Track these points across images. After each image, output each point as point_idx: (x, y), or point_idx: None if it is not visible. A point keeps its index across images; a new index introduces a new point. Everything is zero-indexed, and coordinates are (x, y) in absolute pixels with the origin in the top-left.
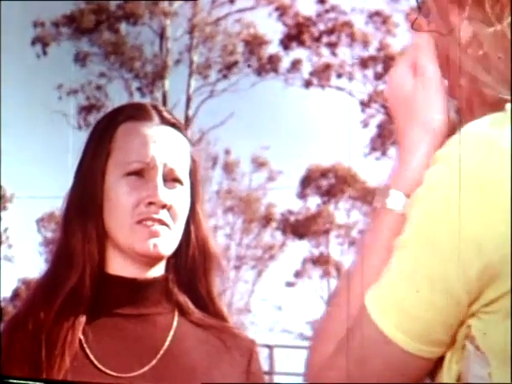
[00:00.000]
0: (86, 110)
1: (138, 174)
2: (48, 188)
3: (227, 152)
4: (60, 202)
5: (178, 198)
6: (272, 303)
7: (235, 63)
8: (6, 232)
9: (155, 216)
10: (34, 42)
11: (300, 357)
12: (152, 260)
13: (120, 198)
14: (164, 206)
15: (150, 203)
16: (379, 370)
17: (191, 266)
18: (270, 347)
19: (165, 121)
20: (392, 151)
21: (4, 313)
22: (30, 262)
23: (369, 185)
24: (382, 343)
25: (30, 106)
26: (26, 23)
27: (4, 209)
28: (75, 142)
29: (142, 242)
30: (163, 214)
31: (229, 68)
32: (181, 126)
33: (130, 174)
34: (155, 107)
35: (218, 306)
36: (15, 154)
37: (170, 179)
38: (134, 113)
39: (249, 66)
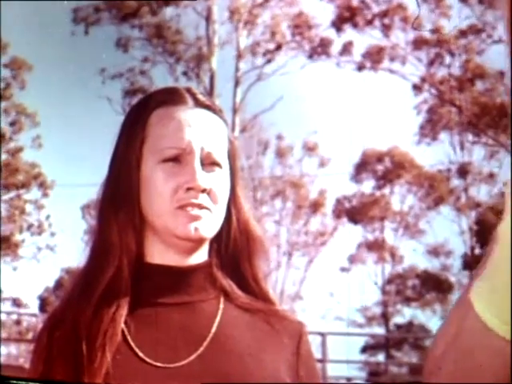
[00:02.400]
0: (130, 94)
1: (175, 159)
2: (91, 174)
3: (279, 137)
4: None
5: (218, 182)
6: (324, 290)
7: (280, 46)
8: (47, 219)
9: (195, 201)
10: (75, 25)
11: (353, 344)
12: (194, 244)
13: (158, 185)
14: (203, 191)
15: (189, 188)
16: (484, 361)
17: (234, 250)
18: (322, 335)
19: (199, 104)
20: (443, 136)
21: (47, 303)
22: (73, 250)
23: (425, 170)
24: (484, 334)
25: (72, 91)
26: (67, 9)
27: (45, 196)
28: (119, 126)
29: (183, 226)
30: (203, 199)
31: (278, 49)
32: (216, 109)
33: (166, 160)
34: (189, 90)
35: (264, 288)
36: (57, 139)
37: (208, 163)
38: (167, 97)
39: (297, 45)
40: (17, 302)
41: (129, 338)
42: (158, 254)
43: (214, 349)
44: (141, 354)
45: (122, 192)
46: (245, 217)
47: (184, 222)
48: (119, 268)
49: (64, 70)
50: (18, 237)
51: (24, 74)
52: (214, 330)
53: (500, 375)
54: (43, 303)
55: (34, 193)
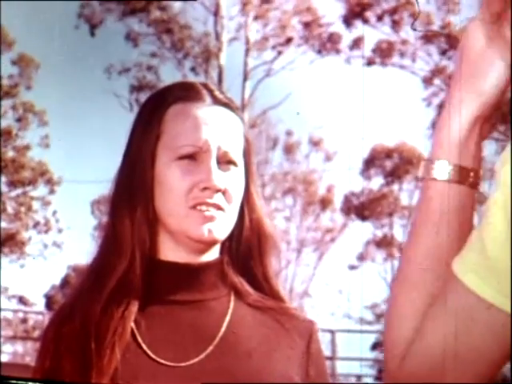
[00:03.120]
0: (137, 89)
1: (191, 157)
2: (98, 171)
3: (288, 133)
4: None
5: (233, 181)
6: (334, 287)
7: (289, 40)
8: (54, 215)
9: (210, 201)
10: (81, 21)
11: (362, 341)
12: (206, 245)
13: (172, 183)
14: (219, 191)
15: (205, 188)
16: (483, 337)
17: (246, 248)
18: (332, 332)
19: (217, 101)
20: None
21: (53, 301)
22: (81, 247)
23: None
24: (483, 310)
25: (78, 87)
26: (74, 4)
27: (52, 192)
28: (127, 122)
29: (197, 227)
30: (218, 198)
31: (287, 43)
32: (233, 106)
33: (181, 157)
34: (206, 86)
35: (275, 286)
36: (64, 135)
37: (224, 162)
38: (184, 93)
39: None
40: (23, 300)
41: (138, 336)
42: (171, 251)
43: (224, 348)
44: (150, 353)
45: (136, 188)
46: (258, 215)
47: (197, 222)
48: (131, 264)
49: (70, 65)
50: (24, 234)
51: (31, 71)
52: (223, 328)
53: (501, 352)
54: (50, 301)
55: (40, 190)
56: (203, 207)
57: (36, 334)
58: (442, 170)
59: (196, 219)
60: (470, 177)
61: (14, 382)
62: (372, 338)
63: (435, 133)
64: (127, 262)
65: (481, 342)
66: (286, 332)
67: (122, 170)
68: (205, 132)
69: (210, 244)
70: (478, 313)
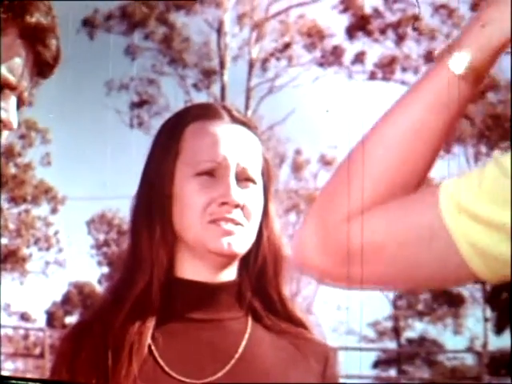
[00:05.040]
0: (138, 105)
1: (209, 173)
2: (98, 189)
3: (298, 152)
4: (111, 203)
5: (251, 198)
6: (336, 304)
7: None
8: (56, 235)
9: (228, 216)
10: (82, 34)
11: (365, 359)
12: (226, 259)
13: (191, 198)
14: (237, 206)
15: (223, 203)
16: (430, 265)
17: (261, 268)
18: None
19: (235, 119)
20: (456, 149)
21: (54, 317)
22: (81, 265)
23: (436, 182)
24: (450, 252)
25: (79, 103)
26: (76, 18)
27: (55, 211)
28: (127, 139)
29: (216, 240)
30: (236, 214)
31: (289, 61)
32: (251, 125)
33: (200, 173)
34: (224, 106)
35: (291, 308)
36: (65, 153)
37: (243, 178)
38: (203, 112)
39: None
40: (25, 317)
41: (155, 351)
42: (189, 269)
43: (241, 368)
44: (167, 368)
45: (155, 206)
46: (275, 236)
47: (216, 236)
48: (150, 281)
49: (71, 81)
50: (25, 251)
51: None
52: (241, 349)
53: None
54: (51, 318)
55: (43, 208)
56: (222, 222)
57: (37, 351)
58: (460, 62)
59: (215, 233)
60: (479, 81)
61: (14, 382)
62: (374, 356)
63: (470, 23)
64: (146, 279)
65: (424, 260)
66: (302, 356)
67: (141, 189)
68: (223, 148)
69: (229, 258)
70: (436, 241)
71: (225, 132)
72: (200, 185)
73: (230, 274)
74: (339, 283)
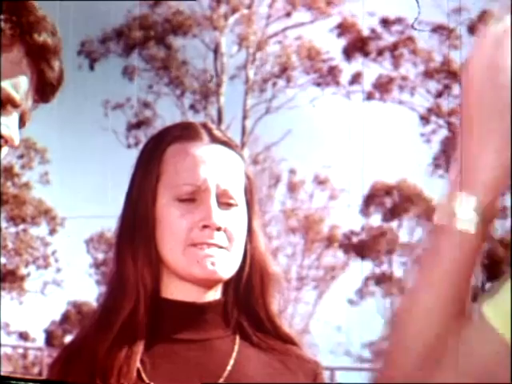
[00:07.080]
0: (135, 127)
1: (190, 197)
2: (96, 207)
3: (292, 172)
4: (109, 222)
5: (234, 219)
6: (333, 324)
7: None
8: (54, 255)
9: (210, 241)
10: (80, 57)
11: (362, 379)
12: (209, 283)
13: (173, 224)
14: (219, 229)
15: (205, 226)
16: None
17: (248, 286)
18: (331, 370)
19: (215, 139)
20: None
21: (53, 336)
22: (79, 284)
23: (434, 203)
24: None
25: (77, 124)
26: (74, 40)
27: (54, 232)
28: (124, 159)
29: (197, 265)
30: (219, 237)
31: (288, 82)
32: (232, 144)
33: (181, 198)
34: (204, 125)
35: (279, 325)
36: (62, 172)
37: (224, 200)
38: (183, 133)
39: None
40: (23, 336)
41: (144, 375)
42: (175, 290)
43: None
44: None
45: (138, 228)
46: (260, 253)
47: (198, 260)
48: (136, 304)
49: (71, 103)
50: (23, 270)
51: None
52: (229, 367)
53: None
54: (49, 337)
55: (42, 228)
56: (204, 246)
57: (35, 370)
58: (469, 221)
59: (197, 257)
60: (490, 230)
61: (14, 382)
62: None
63: (453, 171)
64: (132, 302)
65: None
66: (290, 373)
67: (125, 211)
68: (203, 171)
69: (213, 282)
70: (503, 357)
71: (204, 154)
72: (181, 209)
73: (216, 293)
74: None
